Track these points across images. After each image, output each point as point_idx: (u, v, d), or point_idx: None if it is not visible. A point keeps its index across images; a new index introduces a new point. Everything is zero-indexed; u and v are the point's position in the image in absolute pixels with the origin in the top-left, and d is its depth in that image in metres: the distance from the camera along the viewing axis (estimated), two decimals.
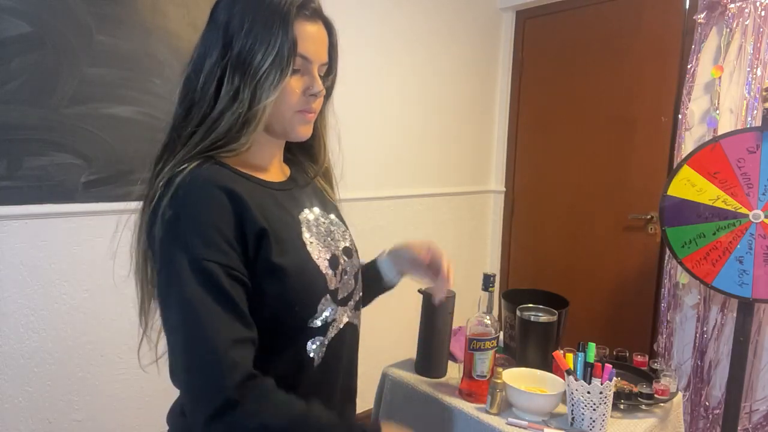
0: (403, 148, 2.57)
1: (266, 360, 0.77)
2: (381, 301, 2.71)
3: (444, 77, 2.69)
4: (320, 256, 0.82)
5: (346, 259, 0.88)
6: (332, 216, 0.91)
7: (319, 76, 0.82)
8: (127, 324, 1.79)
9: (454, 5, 2.66)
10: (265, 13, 0.74)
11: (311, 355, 0.82)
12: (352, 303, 0.89)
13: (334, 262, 0.85)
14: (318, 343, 0.83)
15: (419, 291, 1.58)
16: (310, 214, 0.86)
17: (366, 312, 2.46)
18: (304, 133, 0.84)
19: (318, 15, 0.80)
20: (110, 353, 1.77)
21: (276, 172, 0.88)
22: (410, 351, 1.66)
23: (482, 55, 2.88)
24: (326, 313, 0.82)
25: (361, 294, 0.93)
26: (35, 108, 1.55)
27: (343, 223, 0.95)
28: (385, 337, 2.59)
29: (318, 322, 0.82)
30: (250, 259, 0.75)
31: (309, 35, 0.78)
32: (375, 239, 2.50)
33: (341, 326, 0.86)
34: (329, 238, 0.87)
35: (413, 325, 1.64)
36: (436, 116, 2.68)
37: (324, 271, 0.82)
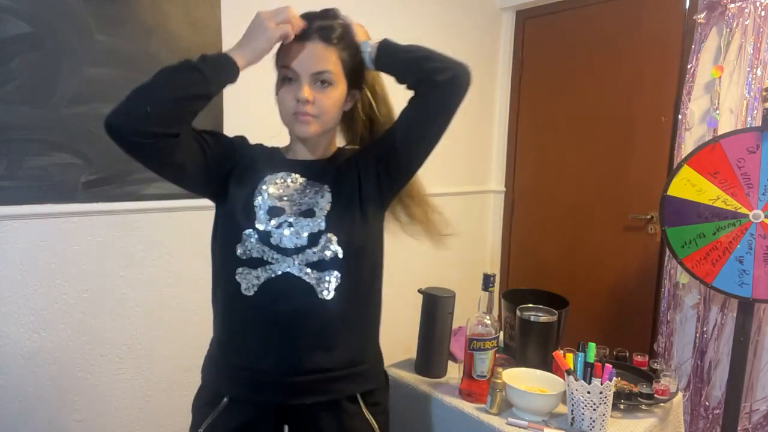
0: None
1: (215, 282, 1.06)
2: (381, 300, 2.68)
3: None
4: (263, 203, 1.02)
5: (299, 218, 1.01)
6: (314, 189, 1.05)
7: (322, 83, 0.99)
8: (127, 324, 1.79)
9: (454, 5, 2.66)
10: None
11: (241, 284, 1.00)
12: (300, 257, 1.00)
13: (274, 211, 1.02)
14: (245, 273, 0.99)
15: (419, 291, 1.59)
16: (287, 176, 1.06)
17: None
18: (300, 131, 1.02)
19: (310, 36, 0.98)
20: (110, 353, 1.77)
21: (301, 152, 1.10)
22: (410, 351, 1.66)
23: (482, 55, 2.88)
24: (250, 248, 0.99)
25: (324, 257, 1.00)
26: (35, 108, 1.54)
27: (333, 199, 1.05)
28: (385, 337, 2.59)
29: (239, 250, 0.99)
30: (226, 170, 1.04)
31: (292, 53, 0.98)
32: None
33: (278, 272, 0.99)
34: (285, 197, 1.03)
35: (413, 325, 1.64)
36: None
37: (256, 211, 1.01)
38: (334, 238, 1.00)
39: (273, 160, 1.09)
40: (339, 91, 1.02)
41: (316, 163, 1.09)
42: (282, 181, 1.05)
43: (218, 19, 1.86)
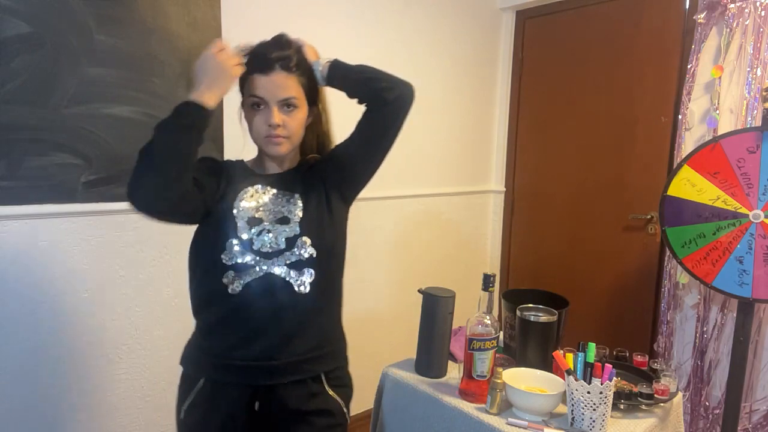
0: (403, 148, 2.56)
1: (197, 282, 1.17)
2: (381, 301, 2.73)
3: (444, 77, 2.69)
4: (241, 213, 1.14)
5: (276, 225, 1.14)
6: (285, 196, 1.18)
7: (288, 107, 1.13)
8: (127, 324, 1.79)
9: (454, 5, 2.66)
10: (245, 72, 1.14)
11: (228, 286, 1.11)
12: (280, 259, 1.13)
13: (253, 221, 1.14)
14: (231, 276, 1.11)
15: (419, 291, 1.58)
16: (262, 189, 1.18)
17: (366, 312, 2.47)
18: (273, 151, 1.17)
19: (273, 70, 1.10)
20: (110, 353, 1.77)
21: (272, 167, 1.23)
22: (410, 351, 1.66)
23: (482, 55, 2.88)
24: (235, 254, 1.11)
25: (301, 258, 1.13)
26: (35, 108, 1.55)
27: (304, 205, 1.18)
28: (385, 337, 2.60)
29: (225, 258, 1.11)
30: (219, 196, 1.16)
31: (259, 84, 1.11)
32: (375, 239, 2.50)
33: (261, 273, 1.12)
34: (261, 207, 1.16)
35: (413, 325, 1.64)
36: (436, 116, 2.68)
37: (237, 222, 1.13)
38: (308, 241, 1.15)
39: (245, 174, 1.21)
40: (303, 111, 1.17)
41: (285, 175, 1.22)
42: (256, 193, 1.18)
43: (218, 19, 1.86)
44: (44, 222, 1.60)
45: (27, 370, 1.62)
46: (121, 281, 1.76)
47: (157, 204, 1.04)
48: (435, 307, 1.53)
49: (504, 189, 3.05)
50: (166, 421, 1.91)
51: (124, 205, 1.76)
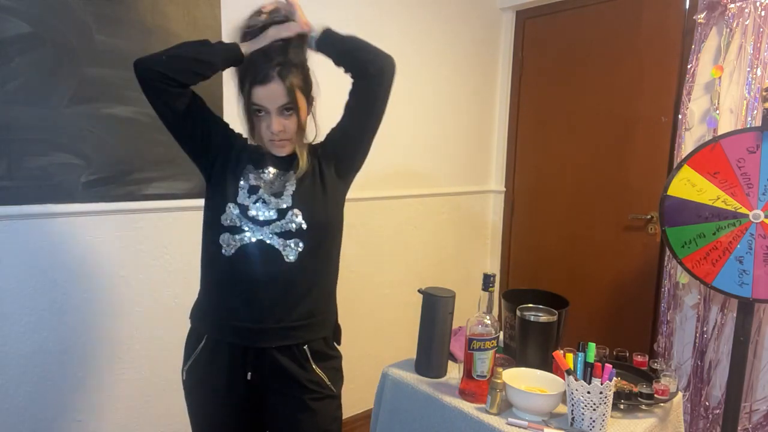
0: (403, 148, 2.57)
1: (203, 244, 1.28)
2: (381, 301, 2.72)
3: (444, 77, 2.69)
4: (243, 184, 1.25)
5: (270, 197, 1.23)
6: (283, 176, 1.27)
7: (287, 110, 1.19)
8: (127, 324, 1.79)
9: (454, 5, 2.66)
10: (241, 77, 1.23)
11: (222, 246, 1.22)
12: (270, 228, 1.21)
13: (253, 189, 1.24)
14: (226, 238, 1.21)
15: (419, 291, 1.58)
16: (265, 169, 1.28)
17: (366, 312, 2.47)
18: (277, 151, 1.25)
19: (271, 79, 1.16)
20: (110, 353, 1.77)
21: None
22: (410, 351, 1.66)
23: (482, 55, 2.88)
24: (232, 218, 1.21)
25: (290, 228, 1.21)
26: (35, 108, 1.55)
27: (297, 182, 1.26)
28: (385, 337, 2.60)
29: (223, 219, 1.21)
30: (216, 143, 1.27)
31: (260, 94, 1.17)
32: (375, 239, 2.50)
33: (253, 240, 1.21)
34: (262, 180, 1.26)
35: (413, 325, 1.64)
36: (435, 116, 2.68)
37: (239, 190, 1.24)
38: (299, 213, 1.22)
39: (255, 154, 1.29)
40: (302, 110, 1.23)
41: (287, 158, 1.29)
42: (261, 172, 1.27)
43: (218, 19, 1.86)
44: (44, 222, 1.60)
45: (27, 370, 1.62)
46: (121, 281, 1.76)
47: (156, 65, 1.16)
48: (435, 307, 1.53)
49: (504, 189, 3.05)
50: (167, 421, 1.91)
51: (124, 205, 1.78)
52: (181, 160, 1.84)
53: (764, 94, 1.79)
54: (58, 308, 1.65)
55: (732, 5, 2.08)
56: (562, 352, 1.36)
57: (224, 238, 1.22)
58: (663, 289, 2.34)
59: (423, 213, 2.70)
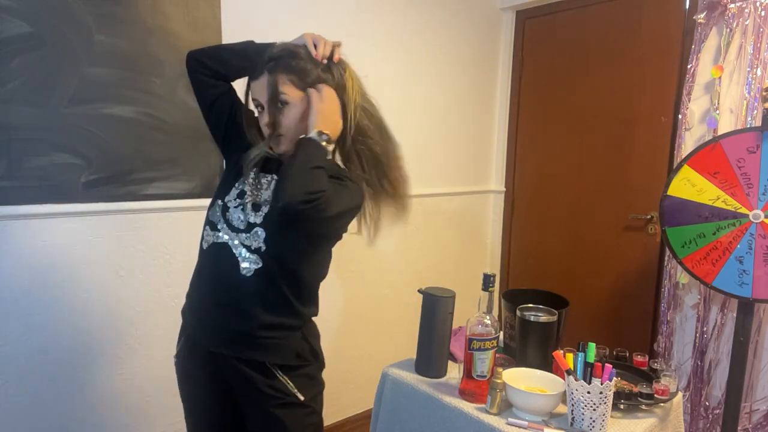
0: (403, 148, 2.56)
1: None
2: (381, 301, 2.72)
3: (444, 77, 2.69)
4: (239, 184, 1.24)
5: (249, 208, 1.20)
6: (261, 182, 1.24)
7: (282, 104, 1.16)
8: (127, 324, 1.79)
9: (454, 5, 2.66)
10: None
11: (203, 237, 1.24)
12: (239, 237, 1.19)
13: (241, 194, 1.22)
14: (206, 231, 1.24)
15: (419, 291, 1.58)
16: (267, 172, 1.25)
17: (366, 312, 2.47)
18: (274, 149, 1.21)
19: (261, 73, 1.16)
20: (110, 353, 1.77)
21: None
22: (410, 351, 1.66)
23: (482, 55, 2.88)
24: (214, 213, 1.23)
25: (252, 245, 1.18)
26: (35, 108, 1.55)
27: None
28: (385, 337, 2.60)
29: (211, 215, 1.24)
30: (233, 154, 1.29)
31: (253, 88, 1.19)
32: (375, 239, 2.50)
33: (222, 240, 1.20)
34: (254, 187, 1.23)
35: (413, 325, 1.64)
36: (436, 116, 2.68)
37: (233, 187, 1.24)
38: (263, 234, 1.18)
39: (268, 160, 1.26)
40: (296, 105, 1.17)
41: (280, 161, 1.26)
42: (261, 177, 1.25)
43: (218, 19, 1.86)
44: (44, 222, 1.60)
45: (27, 370, 1.62)
46: (121, 281, 1.76)
47: (204, 57, 1.23)
48: (435, 307, 1.53)
49: (504, 189, 3.05)
50: (167, 421, 1.91)
51: (124, 205, 1.78)
52: (182, 160, 1.84)
53: (764, 94, 1.79)
54: (58, 308, 1.65)
55: (732, 5, 2.08)
56: (562, 352, 1.35)
57: (206, 230, 1.24)
58: (663, 289, 2.34)
59: (423, 213, 2.70)
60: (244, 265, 1.17)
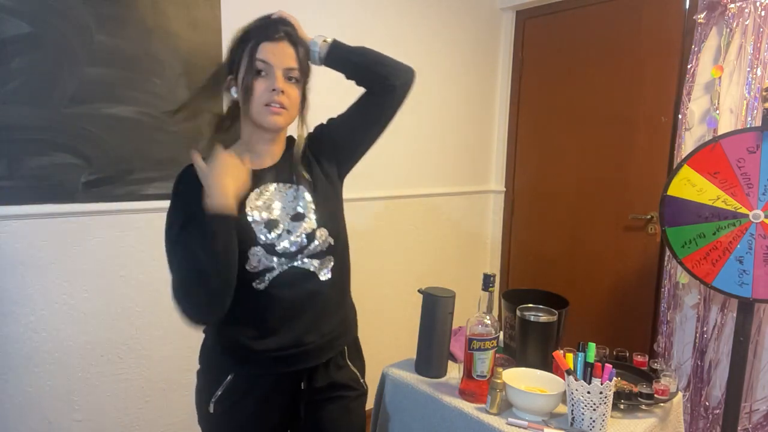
0: (404, 148, 2.57)
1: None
2: (381, 300, 2.72)
3: (444, 77, 2.69)
4: (256, 220, 1.12)
5: (293, 223, 1.15)
6: (289, 189, 1.18)
7: (290, 79, 1.11)
8: (127, 324, 1.79)
9: (454, 5, 2.66)
10: (241, 45, 1.13)
11: (253, 284, 1.11)
12: (304, 253, 1.15)
13: (270, 224, 1.13)
14: (258, 280, 1.12)
15: (419, 291, 1.58)
16: (264, 187, 1.16)
17: (366, 312, 2.48)
18: (270, 122, 1.11)
19: (280, 38, 1.11)
20: (110, 353, 1.77)
21: (264, 154, 1.19)
22: (410, 351, 1.66)
23: (482, 55, 2.88)
24: (259, 261, 1.11)
25: (323, 248, 1.17)
26: (35, 108, 1.55)
27: (313, 195, 1.19)
28: (385, 337, 2.60)
29: (249, 267, 1.10)
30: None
31: (267, 49, 1.09)
32: (375, 239, 2.50)
33: (285, 268, 1.13)
34: (272, 206, 1.15)
35: (413, 325, 1.64)
36: (436, 116, 2.68)
37: (254, 228, 1.11)
38: (326, 231, 1.18)
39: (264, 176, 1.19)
40: (300, 88, 1.15)
41: (279, 166, 1.20)
42: (261, 195, 1.15)
43: (218, 19, 1.86)
44: (44, 222, 1.60)
45: (27, 370, 1.62)
46: (121, 281, 1.76)
47: (206, 316, 1.14)
48: (435, 307, 1.53)
49: (504, 189, 3.05)
50: (167, 421, 1.91)
51: (124, 205, 1.78)
52: (182, 160, 1.83)
53: (764, 94, 1.79)
54: (58, 308, 1.65)
55: (732, 5, 2.08)
56: (562, 352, 1.35)
57: (248, 274, 1.11)
58: (663, 289, 2.34)
59: (423, 213, 2.70)
60: (322, 272, 1.18)
